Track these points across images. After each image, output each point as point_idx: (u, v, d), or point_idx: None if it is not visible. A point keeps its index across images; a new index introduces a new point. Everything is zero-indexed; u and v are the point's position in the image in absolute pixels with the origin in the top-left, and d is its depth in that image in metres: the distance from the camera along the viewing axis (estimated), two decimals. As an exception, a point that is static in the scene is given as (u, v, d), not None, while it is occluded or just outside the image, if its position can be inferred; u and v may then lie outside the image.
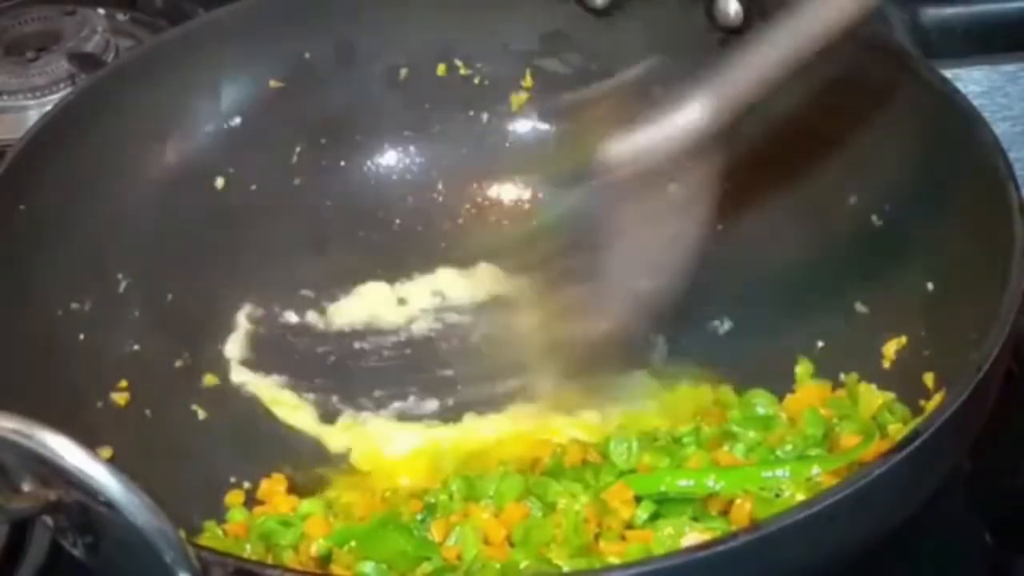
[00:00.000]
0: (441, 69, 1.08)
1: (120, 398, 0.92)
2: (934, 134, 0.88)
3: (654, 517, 0.82)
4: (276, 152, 1.05)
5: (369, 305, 1.04)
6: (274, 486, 0.91)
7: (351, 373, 1.01)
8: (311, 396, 0.99)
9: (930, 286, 0.87)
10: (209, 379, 0.98)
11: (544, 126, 1.09)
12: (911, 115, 0.90)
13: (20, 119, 1.20)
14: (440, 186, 1.08)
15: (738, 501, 0.80)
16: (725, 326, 0.98)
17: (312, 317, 1.03)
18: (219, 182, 1.03)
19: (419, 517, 0.84)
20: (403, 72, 1.07)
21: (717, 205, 0.90)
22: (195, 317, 1.00)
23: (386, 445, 0.96)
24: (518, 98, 1.08)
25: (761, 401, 0.88)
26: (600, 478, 0.85)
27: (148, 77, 0.99)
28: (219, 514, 0.88)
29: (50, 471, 0.62)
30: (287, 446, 0.96)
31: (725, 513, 0.81)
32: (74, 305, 0.92)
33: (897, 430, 0.82)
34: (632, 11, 1.03)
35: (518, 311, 1.00)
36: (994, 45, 1.18)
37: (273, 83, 1.04)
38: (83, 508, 0.65)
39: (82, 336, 0.92)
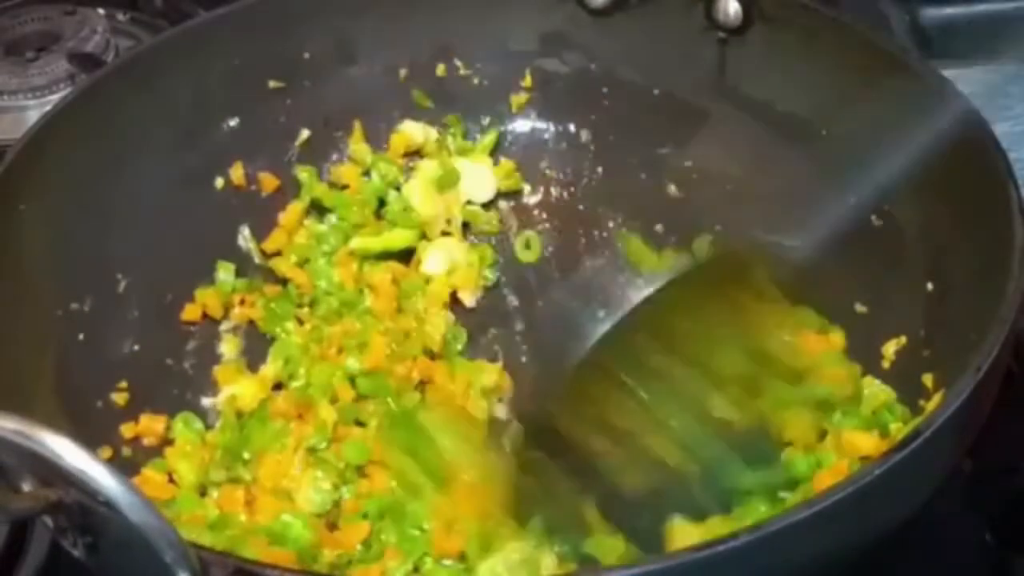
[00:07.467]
0: (441, 69, 1.08)
1: (120, 398, 0.92)
2: (934, 134, 0.88)
3: None
4: (276, 152, 1.05)
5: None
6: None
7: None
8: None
9: (930, 286, 0.87)
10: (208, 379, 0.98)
11: (544, 126, 1.09)
12: (911, 115, 0.90)
13: (20, 119, 1.20)
14: (440, 186, 1.08)
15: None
16: (725, 326, 0.98)
17: (312, 317, 1.03)
18: (219, 182, 1.03)
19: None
20: (403, 72, 1.07)
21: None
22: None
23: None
24: (518, 98, 1.08)
25: None
26: None
27: (148, 77, 0.99)
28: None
29: (50, 471, 0.62)
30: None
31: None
32: (74, 305, 0.92)
33: (897, 430, 0.82)
34: (632, 11, 1.03)
35: None
36: (994, 45, 1.18)
37: (273, 83, 1.04)
38: (83, 508, 0.65)
39: (82, 336, 0.92)
